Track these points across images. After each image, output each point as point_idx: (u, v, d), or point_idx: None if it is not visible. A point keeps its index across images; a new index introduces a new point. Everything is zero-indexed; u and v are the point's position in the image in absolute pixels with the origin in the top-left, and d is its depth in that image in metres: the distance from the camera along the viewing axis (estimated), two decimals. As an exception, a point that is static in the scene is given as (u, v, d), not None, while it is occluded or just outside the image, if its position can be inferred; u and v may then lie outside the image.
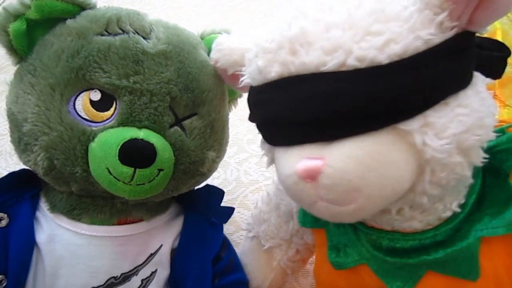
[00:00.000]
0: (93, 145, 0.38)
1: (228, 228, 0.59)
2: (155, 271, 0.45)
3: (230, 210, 0.52)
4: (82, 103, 0.39)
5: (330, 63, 0.28)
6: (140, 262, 0.44)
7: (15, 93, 0.40)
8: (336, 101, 0.28)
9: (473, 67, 0.30)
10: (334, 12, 0.29)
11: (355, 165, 0.28)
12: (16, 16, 0.39)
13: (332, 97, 0.28)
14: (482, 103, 0.30)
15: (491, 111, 0.30)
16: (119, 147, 0.36)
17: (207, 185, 0.51)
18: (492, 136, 0.31)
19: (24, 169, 0.44)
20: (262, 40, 0.32)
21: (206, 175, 0.46)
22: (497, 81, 0.51)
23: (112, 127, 0.38)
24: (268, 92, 0.32)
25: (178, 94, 0.40)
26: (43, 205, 0.43)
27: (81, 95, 0.39)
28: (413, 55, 0.27)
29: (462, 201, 0.34)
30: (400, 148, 0.28)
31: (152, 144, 0.37)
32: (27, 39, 0.40)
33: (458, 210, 0.33)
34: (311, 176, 0.29)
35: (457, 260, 0.33)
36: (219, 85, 0.45)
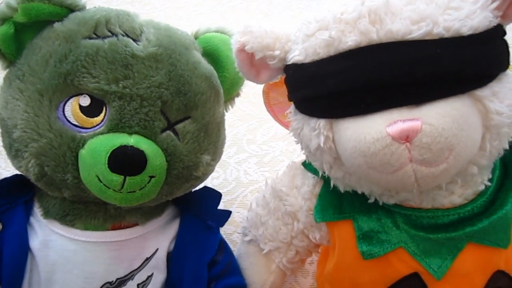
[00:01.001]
0: (83, 152, 0.37)
1: (227, 228, 0.59)
2: (151, 275, 0.45)
3: (227, 214, 0.51)
4: (71, 109, 0.38)
5: (418, 32, 0.31)
6: (136, 267, 0.44)
7: (5, 98, 0.40)
8: (427, 65, 0.31)
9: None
10: None
11: (452, 123, 0.31)
12: (3, 19, 0.38)
13: (432, 61, 0.31)
14: None
15: None
16: (108, 155, 0.36)
17: (205, 187, 0.50)
18: None
19: (17, 175, 0.43)
20: (331, 13, 0.34)
21: (201, 179, 0.45)
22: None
23: (102, 133, 0.38)
24: (341, 62, 0.33)
25: (170, 98, 0.39)
26: (37, 211, 0.43)
27: (70, 100, 0.38)
28: (483, 31, 0.32)
29: (490, 176, 0.38)
30: (475, 113, 0.32)
31: (142, 151, 0.36)
32: (15, 43, 0.39)
33: (489, 184, 0.37)
34: (408, 136, 0.31)
35: (496, 228, 0.37)
36: (212, 86, 0.44)
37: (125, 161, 0.36)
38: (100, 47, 0.37)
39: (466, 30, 0.31)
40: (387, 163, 0.32)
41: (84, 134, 0.38)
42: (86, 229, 0.42)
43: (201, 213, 0.48)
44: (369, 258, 0.39)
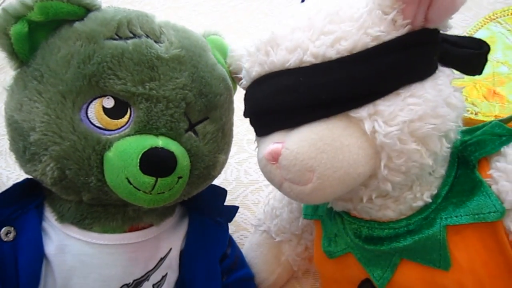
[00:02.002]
0: (109, 155, 0.37)
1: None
2: (165, 275, 0.45)
3: (234, 209, 0.52)
4: (95, 111, 0.37)
5: (292, 60, 0.32)
6: (151, 267, 0.44)
7: (18, 100, 0.38)
8: (295, 93, 0.32)
9: (434, 62, 0.33)
10: (299, 18, 0.34)
11: (308, 147, 0.32)
12: (17, 17, 0.36)
13: (292, 89, 0.32)
14: (439, 94, 0.32)
15: (449, 102, 0.32)
16: (139, 157, 0.36)
17: (211, 185, 0.51)
18: (451, 126, 0.33)
19: (27, 179, 0.42)
20: (247, 45, 0.38)
21: (215, 178, 0.46)
22: (496, 80, 0.55)
23: (128, 135, 0.37)
24: (251, 90, 0.37)
25: (193, 100, 0.40)
26: (49, 216, 0.41)
27: (94, 102, 0.37)
28: (363, 50, 0.31)
29: (435, 192, 0.36)
30: (353, 134, 0.32)
31: (173, 153, 0.37)
32: (28, 42, 0.38)
33: (429, 200, 0.36)
34: (274, 158, 0.34)
35: (426, 248, 0.35)
36: (228, 88, 0.45)
37: (158, 163, 0.36)
38: (125, 48, 0.37)
39: (333, 54, 0.31)
40: (270, 180, 0.36)
41: (109, 136, 0.37)
42: (104, 232, 0.41)
43: (209, 211, 0.49)
44: (330, 258, 0.43)
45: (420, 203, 0.36)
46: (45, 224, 0.41)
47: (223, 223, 0.50)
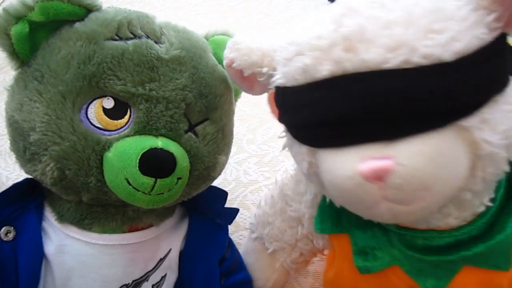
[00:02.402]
0: (109, 155, 0.37)
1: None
2: (165, 275, 0.45)
3: (234, 211, 0.52)
4: (95, 111, 0.37)
5: (394, 60, 0.28)
6: (151, 268, 0.44)
7: (19, 100, 0.38)
8: (399, 99, 0.28)
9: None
10: (390, 10, 0.29)
11: (426, 163, 0.28)
12: (18, 18, 0.37)
13: (400, 94, 0.28)
14: None
15: None
16: (139, 158, 0.36)
17: (211, 186, 0.51)
18: None
19: (27, 179, 0.42)
20: (307, 38, 0.31)
21: (215, 179, 0.46)
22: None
23: (128, 135, 0.37)
24: (316, 92, 0.31)
25: (193, 101, 0.40)
26: (49, 215, 0.41)
27: (94, 103, 0.37)
28: (471, 53, 0.28)
29: (493, 196, 0.34)
30: (460, 145, 0.29)
31: (172, 153, 0.37)
32: (29, 43, 0.38)
33: (490, 204, 0.34)
34: (380, 176, 0.28)
35: (495, 253, 0.34)
36: (229, 89, 0.45)
37: (157, 164, 0.36)
38: (126, 49, 0.37)
39: (448, 56, 0.27)
40: (360, 200, 0.31)
41: (109, 137, 0.37)
42: (104, 232, 0.41)
43: (209, 212, 0.49)
44: (365, 273, 0.39)
45: (482, 208, 0.34)
46: (45, 224, 0.41)
47: (223, 225, 0.50)
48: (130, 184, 0.36)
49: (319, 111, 0.31)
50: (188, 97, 0.39)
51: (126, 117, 0.38)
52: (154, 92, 0.38)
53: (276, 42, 0.38)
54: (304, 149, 0.34)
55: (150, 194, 0.37)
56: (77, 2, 0.38)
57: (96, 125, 0.37)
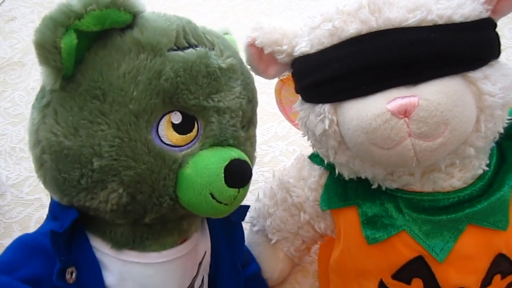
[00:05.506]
0: (187, 172, 0.35)
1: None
2: (203, 278, 0.46)
3: (245, 208, 0.51)
4: (165, 128, 0.35)
5: (413, 19, 0.34)
6: (194, 274, 0.44)
7: (71, 123, 0.33)
8: (421, 47, 0.34)
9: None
10: None
11: (446, 98, 0.33)
12: (66, 27, 0.31)
13: (418, 44, 0.33)
14: (509, 72, 0.37)
15: None
16: (223, 171, 0.36)
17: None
18: None
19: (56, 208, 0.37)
20: (334, 6, 0.37)
21: None
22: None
23: (200, 149, 0.36)
24: (343, 49, 0.36)
25: (245, 107, 0.40)
26: (99, 245, 0.37)
27: (163, 119, 0.35)
28: (474, 20, 0.35)
29: (487, 161, 0.41)
30: (470, 94, 0.35)
31: (248, 162, 0.38)
32: (75, 56, 0.33)
33: (487, 168, 0.41)
34: (407, 110, 0.33)
35: (494, 210, 0.39)
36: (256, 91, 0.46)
37: (240, 175, 0.36)
38: (193, 61, 0.35)
39: (457, 17, 0.34)
40: (387, 137, 0.34)
41: (183, 153, 0.36)
42: (163, 249, 0.40)
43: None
44: (373, 243, 0.41)
45: (480, 171, 0.40)
46: (97, 255, 0.37)
47: (238, 222, 0.51)
48: (214, 198, 0.36)
49: (347, 63, 0.36)
50: (243, 104, 0.40)
51: (194, 130, 0.36)
52: (221, 103, 0.37)
53: (295, 25, 0.42)
54: (326, 107, 0.38)
55: (229, 205, 0.37)
56: (131, 9, 0.34)
57: (167, 142, 0.35)
